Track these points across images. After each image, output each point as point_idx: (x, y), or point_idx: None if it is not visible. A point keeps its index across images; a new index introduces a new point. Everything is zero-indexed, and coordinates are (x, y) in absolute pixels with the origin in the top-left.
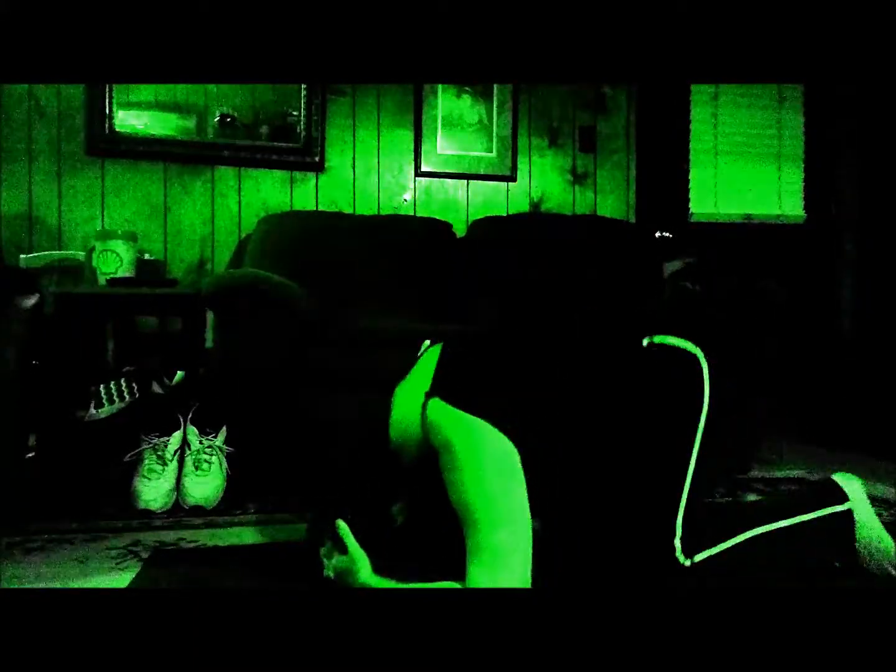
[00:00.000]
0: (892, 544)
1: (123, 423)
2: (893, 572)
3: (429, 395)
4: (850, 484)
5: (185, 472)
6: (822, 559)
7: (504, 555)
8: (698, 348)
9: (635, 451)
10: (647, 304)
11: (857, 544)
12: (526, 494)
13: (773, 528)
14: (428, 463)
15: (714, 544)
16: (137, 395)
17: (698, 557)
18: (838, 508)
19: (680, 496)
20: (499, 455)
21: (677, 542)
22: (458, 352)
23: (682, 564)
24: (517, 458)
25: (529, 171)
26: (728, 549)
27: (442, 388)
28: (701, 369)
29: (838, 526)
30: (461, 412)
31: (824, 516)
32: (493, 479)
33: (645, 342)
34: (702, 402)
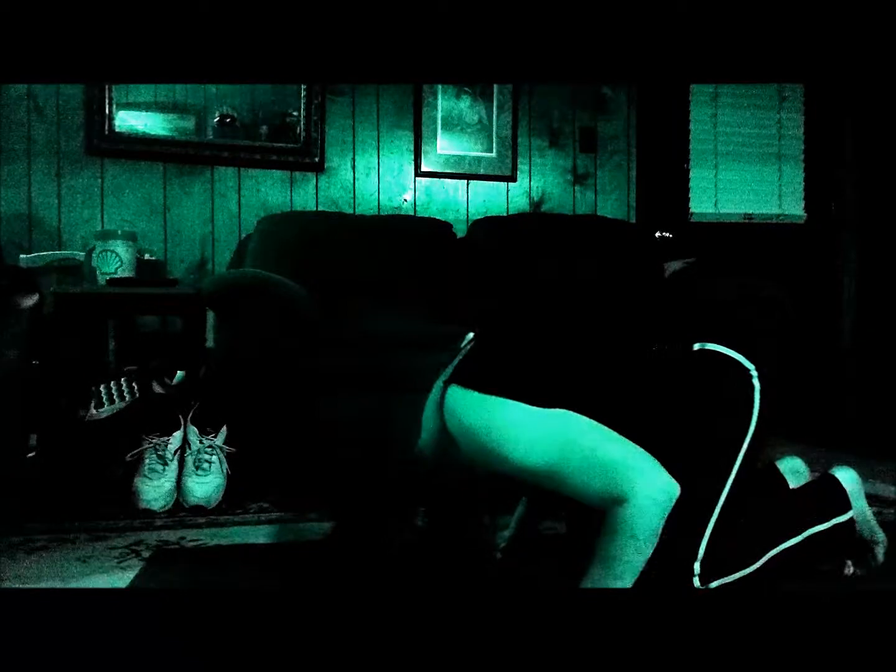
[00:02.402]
0: (883, 539)
1: (124, 422)
2: (879, 559)
3: (447, 384)
4: (846, 474)
5: (185, 472)
6: (817, 565)
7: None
8: (751, 362)
9: (677, 460)
10: (678, 306)
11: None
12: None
13: (783, 549)
14: (446, 461)
15: (730, 572)
16: (137, 395)
17: (713, 584)
18: (842, 519)
19: (710, 515)
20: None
21: (697, 566)
22: (483, 339)
23: (697, 588)
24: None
25: (530, 172)
26: (742, 576)
27: (462, 374)
28: (753, 385)
29: (839, 534)
30: (484, 395)
31: (829, 528)
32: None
33: (696, 347)
34: (750, 418)
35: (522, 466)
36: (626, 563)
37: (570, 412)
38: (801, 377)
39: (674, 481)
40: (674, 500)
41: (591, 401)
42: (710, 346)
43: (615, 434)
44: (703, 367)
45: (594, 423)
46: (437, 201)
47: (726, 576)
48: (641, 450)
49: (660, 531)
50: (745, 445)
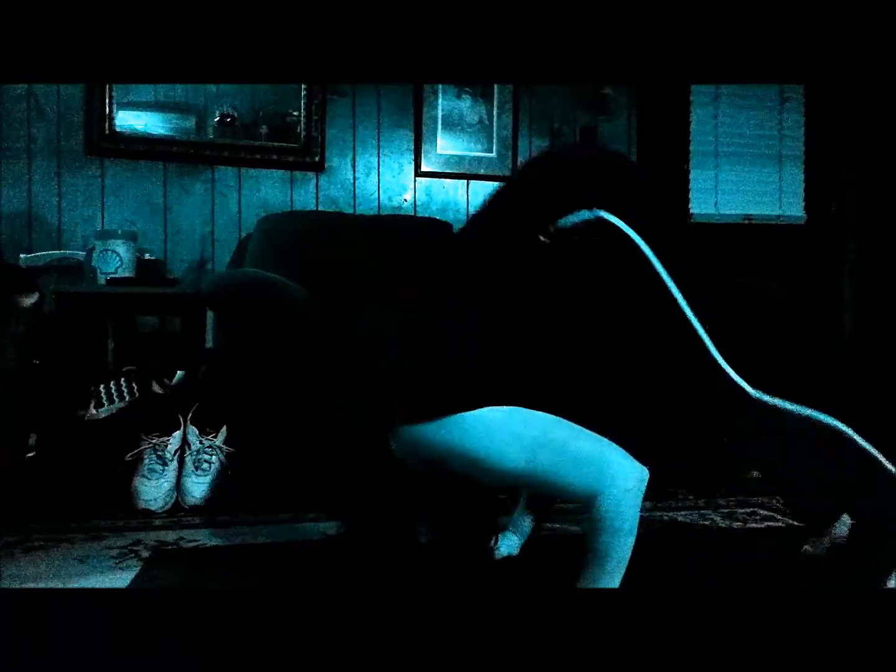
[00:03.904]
0: None
1: (123, 422)
2: None
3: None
4: None
5: (185, 472)
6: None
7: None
8: (605, 214)
9: (636, 338)
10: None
11: None
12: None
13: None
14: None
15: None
16: (137, 395)
17: (768, 398)
18: None
19: (708, 351)
20: (496, 421)
21: (737, 378)
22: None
23: (751, 397)
24: (522, 412)
25: None
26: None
27: (401, 412)
28: (619, 228)
29: None
30: (434, 422)
31: None
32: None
33: (551, 230)
34: (643, 254)
35: (501, 472)
36: (616, 558)
37: (522, 409)
38: (802, 377)
39: (642, 466)
40: (645, 485)
41: (537, 386)
42: (561, 223)
43: (578, 427)
44: (577, 250)
45: (553, 417)
46: (437, 201)
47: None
48: (607, 441)
49: (637, 519)
50: (665, 279)
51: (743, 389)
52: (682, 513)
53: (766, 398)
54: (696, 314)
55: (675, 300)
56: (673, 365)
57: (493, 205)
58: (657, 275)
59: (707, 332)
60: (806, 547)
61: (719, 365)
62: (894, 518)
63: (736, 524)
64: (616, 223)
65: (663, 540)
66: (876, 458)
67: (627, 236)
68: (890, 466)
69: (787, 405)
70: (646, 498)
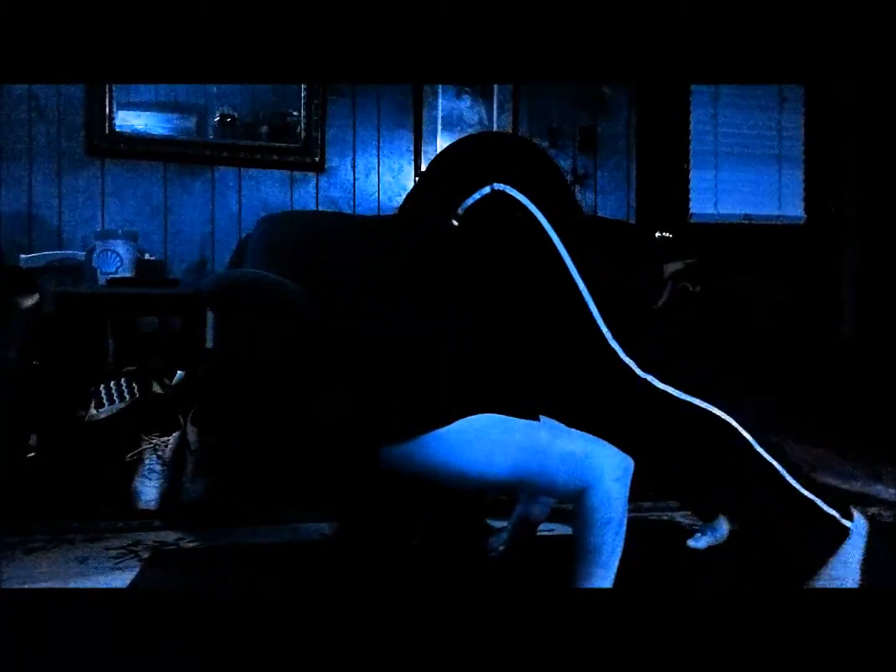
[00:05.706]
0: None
1: (123, 423)
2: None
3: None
4: (860, 518)
5: (184, 472)
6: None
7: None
8: (503, 187)
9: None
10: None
11: (833, 557)
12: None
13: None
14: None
15: (678, 388)
16: (137, 395)
17: (657, 382)
18: (843, 521)
19: (597, 324)
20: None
21: (624, 357)
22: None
23: (638, 376)
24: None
25: None
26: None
27: (384, 432)
28: (515, 198)
29: (825, 532)
30: (416, 440)
31: (824, 513)
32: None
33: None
34: (545, 232)
35: (488, 482)
36: (609, 549)
37: (501, 415)
38: (802, 376)
39: (626, 455)
40: (631, 473)
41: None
42: (463, 211)
43: (558, 425)
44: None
45: (527, 421)
46: None
47: (663, 381)
48: (589, 435)
49: (627, 508)
50: (559, 249)
51: (630, 368)
52: (682, 513)
53: (655, 381)
54: (598, 290)
55: (567, 272)
56: (568, 342)
57: (412, 199)
58: (552, 245)
59: (608, 306)
60: (689, 541)
61: (607, 342)
62: (768, 520)
63: (736, 524)
64: (513, 194)
65: (662, 540)
66: (771, 466)
67: (523, 205)
68: (787, 476)
69: (675, 392)
70: (646, 498)
